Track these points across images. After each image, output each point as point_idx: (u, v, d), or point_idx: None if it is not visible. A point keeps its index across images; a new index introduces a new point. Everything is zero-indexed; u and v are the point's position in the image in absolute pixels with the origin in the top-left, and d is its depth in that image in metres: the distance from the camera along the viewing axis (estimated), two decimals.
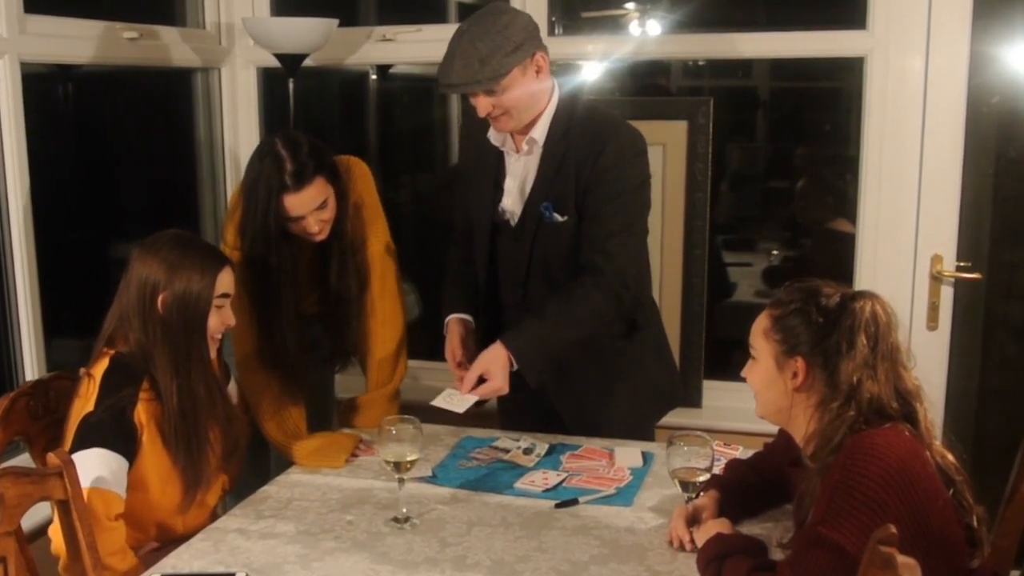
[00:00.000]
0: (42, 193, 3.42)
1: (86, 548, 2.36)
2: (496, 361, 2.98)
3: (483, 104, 2.98)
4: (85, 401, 2.63)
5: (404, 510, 2.70)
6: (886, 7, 3.78)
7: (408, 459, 2.68)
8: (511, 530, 2.64)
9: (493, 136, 3.15)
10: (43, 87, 3.84)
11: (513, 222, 3.20)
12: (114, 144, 4.35)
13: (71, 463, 2.37)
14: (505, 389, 2.98)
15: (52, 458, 2.38)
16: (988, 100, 4.04)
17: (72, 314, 3.82)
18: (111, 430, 2.58)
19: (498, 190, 3.20)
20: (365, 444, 3.20)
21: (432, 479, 2.98)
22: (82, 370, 2.81)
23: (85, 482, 2.49)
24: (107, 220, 4.27)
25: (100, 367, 2.67)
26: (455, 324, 3.32)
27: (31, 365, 3.48)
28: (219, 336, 2.82)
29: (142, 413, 2.64)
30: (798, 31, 4.00)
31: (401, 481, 2.70)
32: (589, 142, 3.05)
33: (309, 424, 3.27)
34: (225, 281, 2.77)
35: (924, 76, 3.76)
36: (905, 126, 3.80)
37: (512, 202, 3.18)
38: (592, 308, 3.05)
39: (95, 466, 2.54)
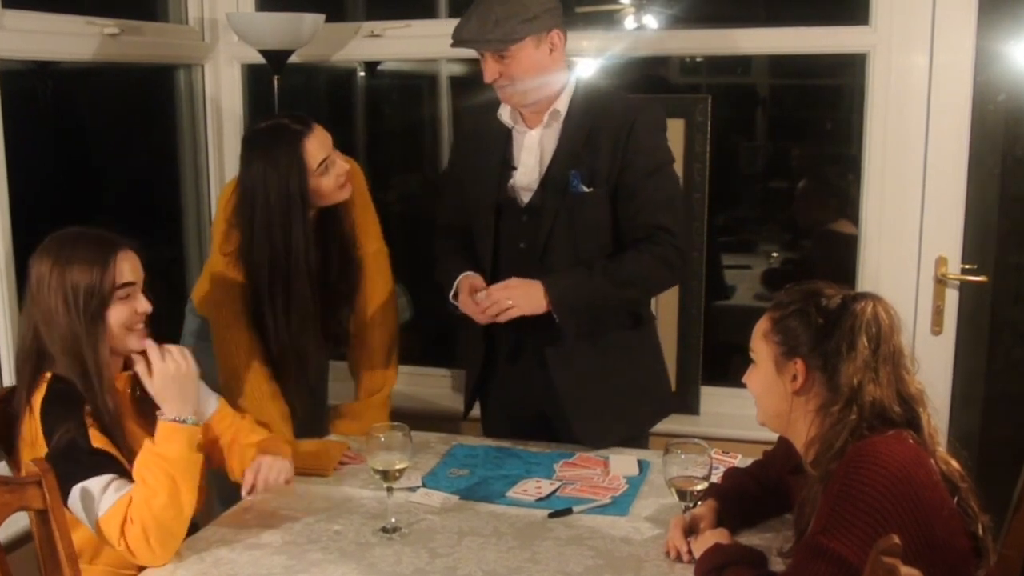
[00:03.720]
0: (20, 193, 3.38)
1: (65, 559, 2.31)
2: (529, 287, 3.01)
3: (491, 69, 3.03)
4: (34, 439, 2.52)
5: (393, 520, 2.66)
6: (889, 2, 3.75)
7: (397, 467, 2.63)
8: (503, 540, 2.59)
9: (504, 113, 3.18)
10: (21, 84, 3.80)
11: (525, 199, 3.17)
12: (94, 143, 4.32)
13: (49, 471, 2.30)
14: (518, 310, 3.01)
15: (31, 466, 2.33)
16: (994, 97, 4.00)
17: None
18: (78, 461, 2.46)
19: (506, 168, 3.19)
20: (354, 452, 3.15)
21: (422, 488, 2.92)
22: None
23: (90, 522, 2.44)
24: (88, 221, 4.15)
25: (38, 395, 2.55)
26: (465, 282, 3.19)
27: (9, 370, 3.40)
28: (138, 327, 2.64)
29: (97, 437, 2.51)
30: (798, 27, 3.97)
31: (390, 490, 2.65)
32: (620, 114, 3.10)
33: (299, 430, 3.22)
34: (124, 269, 2.59)
35: (928, 73, 3.72)
36: (909, 124, 3.77)
37: (528, 177, 3.17)
38: (642, 270, 3.09)
39: (86, 501, 2.44)
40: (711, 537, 2.39)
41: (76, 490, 2.43)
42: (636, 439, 3.30)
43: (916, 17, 3.70)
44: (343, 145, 3.21)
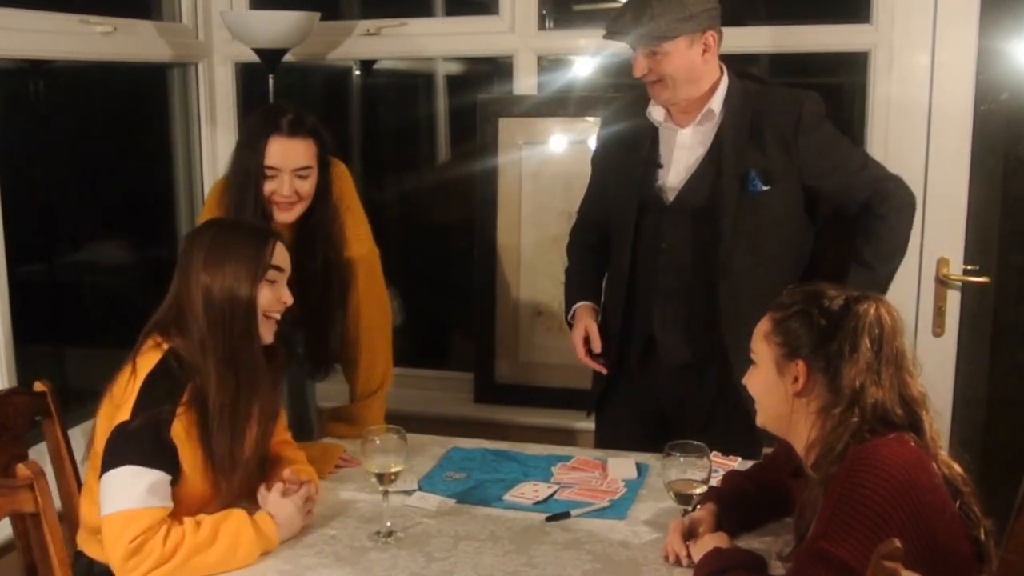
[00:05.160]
0: (11, 193, 3.34)
1: (57, 563, 2.29)
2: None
3: (640, 64, 3.04)
4: (123, 401, 2.48)
5: (388, 523, 2.63)
6: (891, 0, 3.74)
7: (392, 470, 2.60)
8: (500, 544, 2.57)
9: (656, 111, 3.18)
10: (13, 84, 3.81)
11: (670, 198, 3.18)
12: (88, 143, 4.29)
13: (42, 475, 2.29)
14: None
15: (22, 469, 2.30)
16: (997, 97, 3.97)
17: (42, 321, 3.72)
18: (147, 446, 2.44)
19: (650, 166, 3.20)
20: (349, 455, 3.12)
21: (418, 491, 2.89)
22: (37, 384, 2.74)
23: (112, 506, 2.39)
24: (79, 221, 4.20)
25: (148, 362, 2.51)
26: (582, 314, 3.36)
27: (1, 373, 3.37)
28: (275, 315, 2.65)
29: (179, 429, 2.49)
30: (799, 25, 3.97)
31: (386, 493, 2.63)
32: (784, 109, 3.11)
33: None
34: (278, 253, 2.63)
35: (930, 72, 3.72)
36: (910, 124, 3.76)
37: (678, 176, 3.17)
38: (899, 230, 3.16)
39: (125, 486, 2.40)
40: (710, 541, 2.37)
41: (125, 469, 2.39)
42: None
43: (918, 15, 3.70)
44: (339, 145, 3.18)
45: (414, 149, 5.30)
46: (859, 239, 3.15)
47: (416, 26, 4.28)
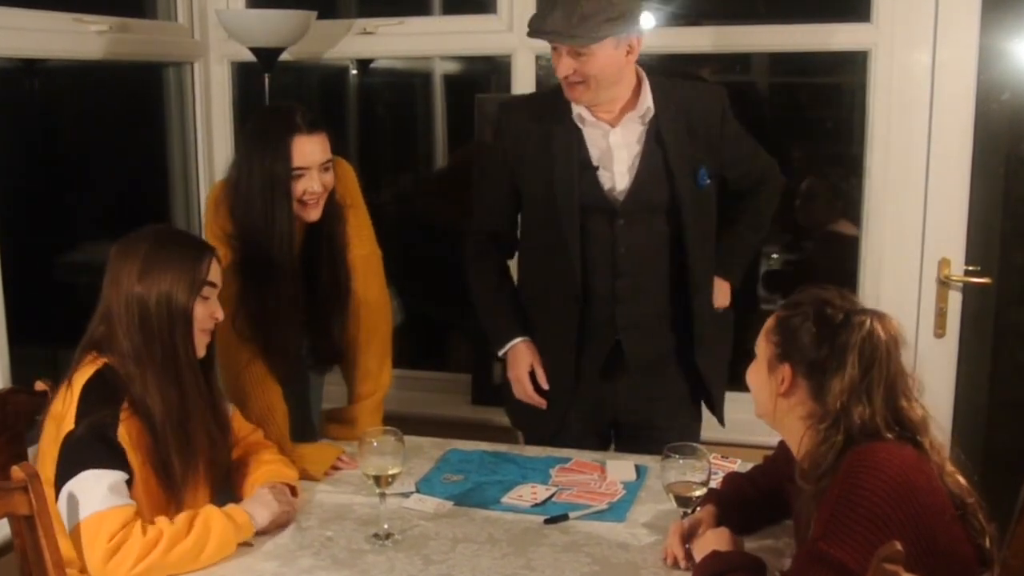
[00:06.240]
0: (6, 193, 3.32)
1: (52, 566, 2.27)
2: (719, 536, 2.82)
3: (565, 64, 2.99)
4: (63, 415, 2.49)
5: (386, 526, 2.62)
6: None
7: (390, 472, 2.60)
8: (498, 547, 2.56)
9: (584, 112, 3.12)
10: (8, 83, 3.80)
11: (620, 199, 3.14)
12: (82, 142, 4.29)
13: (36, 477, 2.27)
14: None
15: (17, 472, 2.28)
16: (998, 96, 3.97)
17: (37, 321, 3.70)
18: (98, 449, 2.44)
19: (586, 169, 3.14)
20: (347, 456, 3.12)
21: (415, 493, 2.88)
22: (38, 383, 2.74)
23: (81, 512, 2.38)
24: (75, 222, 4.20)
25: (83, 375, 2.52)
26: (526, 349, 3.29)
27: (6, 370, 3.37)
28: (208, 328, 2.66)
29: (124, 434, 2.49)
30: (799, 23, 3.95)
31: (383, 495, 2.62)
32: (708, 105, 3.20)
33: (290, 434, 3.18)
34: (214, 271, 2.63)
35: (931, 71, 3.71)
36: (911, 124, 3.75)
37: (623, 179, 3.14)
38: (771, 208, 3.43)
39: (89, 490, 2.40)
40: (711, 537, 2.38)
41: (85, 475, 2.39)
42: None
43: (918, 14, 3.69)
44: (336, 145, 3.16)
45: (411, 148, 5.31)
46: (737, 208, 3.38)
47: (413, 25, 4.27)
